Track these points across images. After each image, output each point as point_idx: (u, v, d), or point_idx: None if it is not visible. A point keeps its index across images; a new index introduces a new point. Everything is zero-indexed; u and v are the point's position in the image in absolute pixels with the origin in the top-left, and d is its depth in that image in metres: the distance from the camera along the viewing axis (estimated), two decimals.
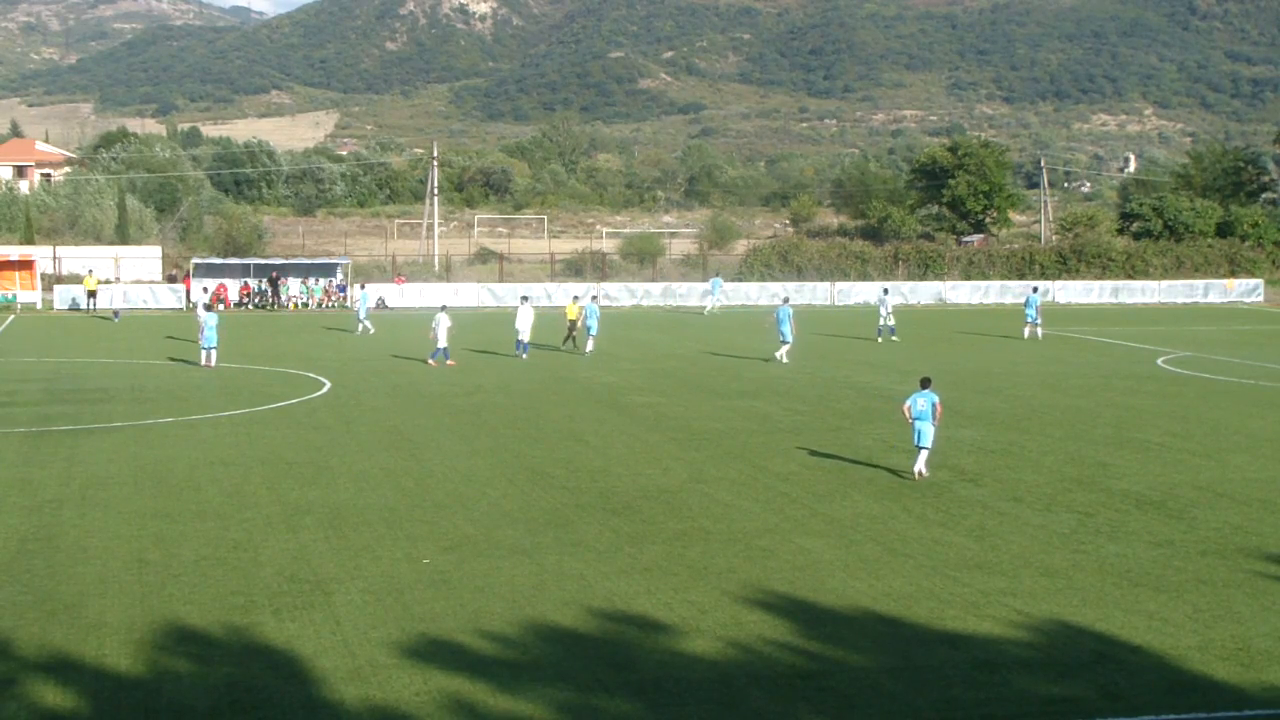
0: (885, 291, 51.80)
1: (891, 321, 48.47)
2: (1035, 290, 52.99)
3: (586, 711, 12.14)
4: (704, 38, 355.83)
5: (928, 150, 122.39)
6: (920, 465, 22.42)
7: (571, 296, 49.35)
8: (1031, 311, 49.15)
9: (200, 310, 44.09)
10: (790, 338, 40.46)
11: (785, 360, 40.05)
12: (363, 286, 54.76)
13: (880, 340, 47.70)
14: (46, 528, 18.70)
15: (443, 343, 38.92)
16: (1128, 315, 63.24)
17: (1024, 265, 77.74)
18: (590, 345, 42.52)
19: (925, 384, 22.60)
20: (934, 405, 22.16)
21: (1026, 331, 48.90)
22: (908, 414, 22.36)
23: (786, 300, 42.99)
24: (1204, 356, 42.99)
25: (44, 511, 19.69)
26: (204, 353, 38.65)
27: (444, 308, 40.58)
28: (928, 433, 22.14)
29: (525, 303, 42.94)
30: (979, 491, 21.57)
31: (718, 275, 69.45)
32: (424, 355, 39.87)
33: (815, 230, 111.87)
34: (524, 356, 41.02)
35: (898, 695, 12.56)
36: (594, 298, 47.30)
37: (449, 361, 38.87)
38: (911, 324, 56.96)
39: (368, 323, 50.44)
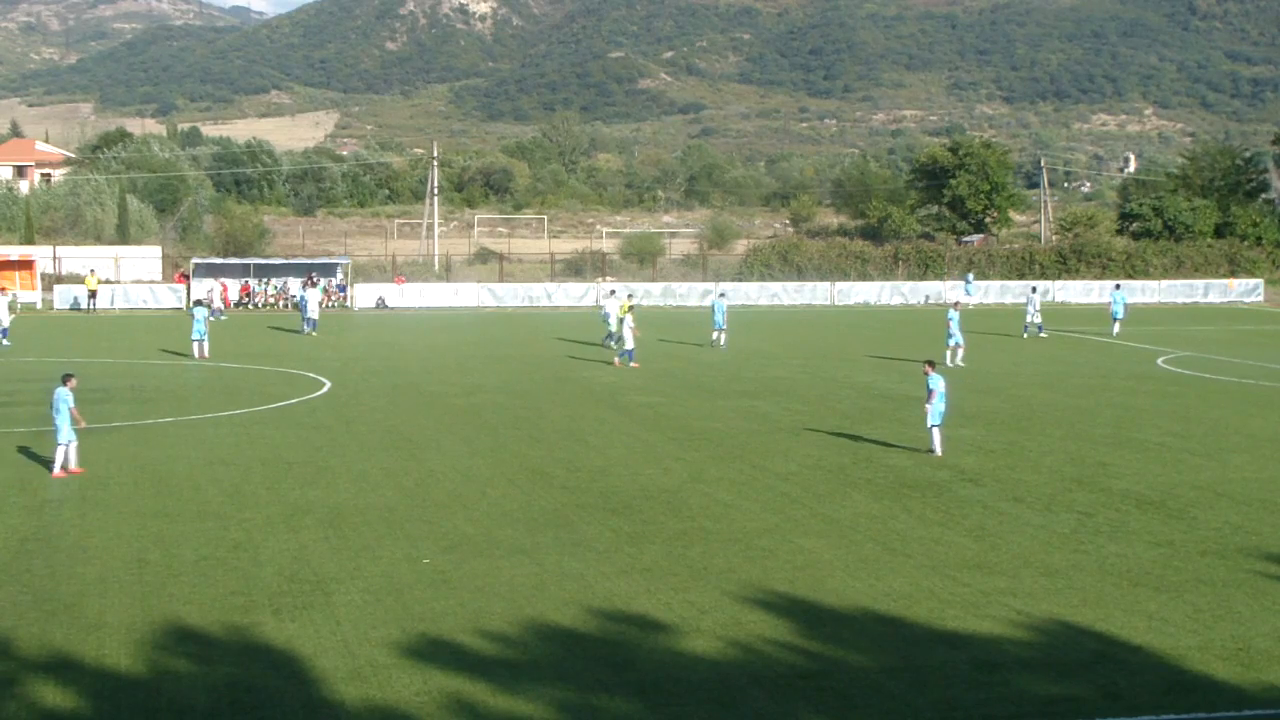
0: (1034, 290, 53.27)
1: (1039, 319, 49.59)
2: (1118, 287, 54.67)
3: (586, 711, 12.14)
4: (704, 38, 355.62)
5: (928, 150, 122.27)
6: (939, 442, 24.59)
7: (609, 291, 49.09)
8: (1119, 309, 50.45)
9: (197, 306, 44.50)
10: (961, 339, 39.71)
11: (959, 363, 39.00)
12: (312, 284, 54.41)
13: (1026, 337, 49.00)
14: (46, 528, 18.70)
15: (630, 343, 39.09)
16: (1128, 315, 63.12)
17: (1024, 265, 77.80)
18: (723, 340, 44.31)
19: (935, 365, 25.23)
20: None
21: (1118, 329, 50.13)
22: (935, 396, 24.24)
23: (957, 305, 42.11)
24: (1204, 356, 42.99)
25: (44, 511, 19.69)
26: (194, 344, 40.40)
27: (632, 308, 41.11)
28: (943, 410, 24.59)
29: (613, 296, 45.29)
30: (979, 491, 21.58)
31: (969, 271, 71.66)
32: (416, 354, 39.89)
33: (815, 230, 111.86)
34: (612, 345, 42.96)
35: (898, 695, 12.56)
36: (722, 295, 48.79)
37: (633, 364, 38.73)
38: (911, 323, 56.99)
39: (308, 325, 49.61)
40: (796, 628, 14.49)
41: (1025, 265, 77.75)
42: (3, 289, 51.87)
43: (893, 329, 54.39)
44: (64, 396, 22.27)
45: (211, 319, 55.07)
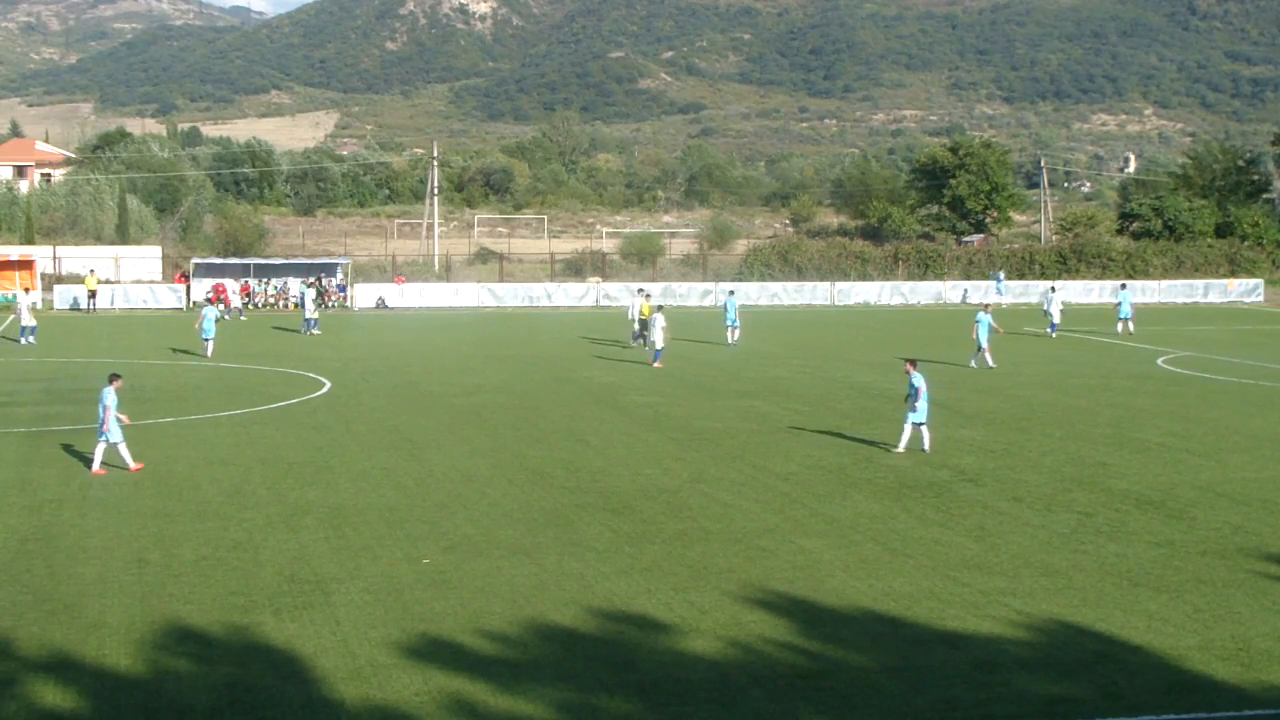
0: (1053, 289, 54.01)
1: (1057, 319, 50.19)
2: (1124, 287, 55.72)
3: (586, 711, 12.14)
4: (704, 38, 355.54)
5: (928, 150, 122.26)
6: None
7: (639, 292, 49.22)
8: (1125, 308, 50.89)
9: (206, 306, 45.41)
10: (985, 343, 38.79)
11: (980, 366, 38.56)
12: (312, 284, 54.38)
13: (1054, 335, 49.56)
14: (46, 528, 18.71)
15: (660, 343, 39.20)
16: (1115, 315, 63.10)
17: (1024, 265, 77.85)
18: (736, 337, 45.46)
19: (916, 364, 25.26)
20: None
21: (1120, 328, 50.59)
22: (920, 395, 24.41)
23: (987, 307, 41.24)
24: (1204, 356, 42.99)
25: (44, 511, 19.70)
26: (204, 343, 41.49)
27: (660, 308, 41.36)
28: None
29: (640, 294, 46.65)
30: (979, 491, 21.57)
31: (1000, 269, 72.76)
32: (422, 355, 39.86)
33: (815, 230, 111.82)
34: (634, 345, 44.13)
35: (898, 695, 12.56)
36: (731, 293, 49.40)
37: (657, 363, 38.84)
38: (911, 324, 57.02)
39: (307, 325, 50.00)
40: (796, 628, 14.49)
41: (1025, 265, 77.80)
42: (26, 289, 52.21)
43: (893, 329, 54.39)
44: (105, 396, 22.57)
45: (228, 318, 56.12)
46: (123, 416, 22.84)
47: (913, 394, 24.54)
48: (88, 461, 22.86)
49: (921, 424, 24.61)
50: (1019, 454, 24.95)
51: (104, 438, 22.50)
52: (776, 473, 23.04)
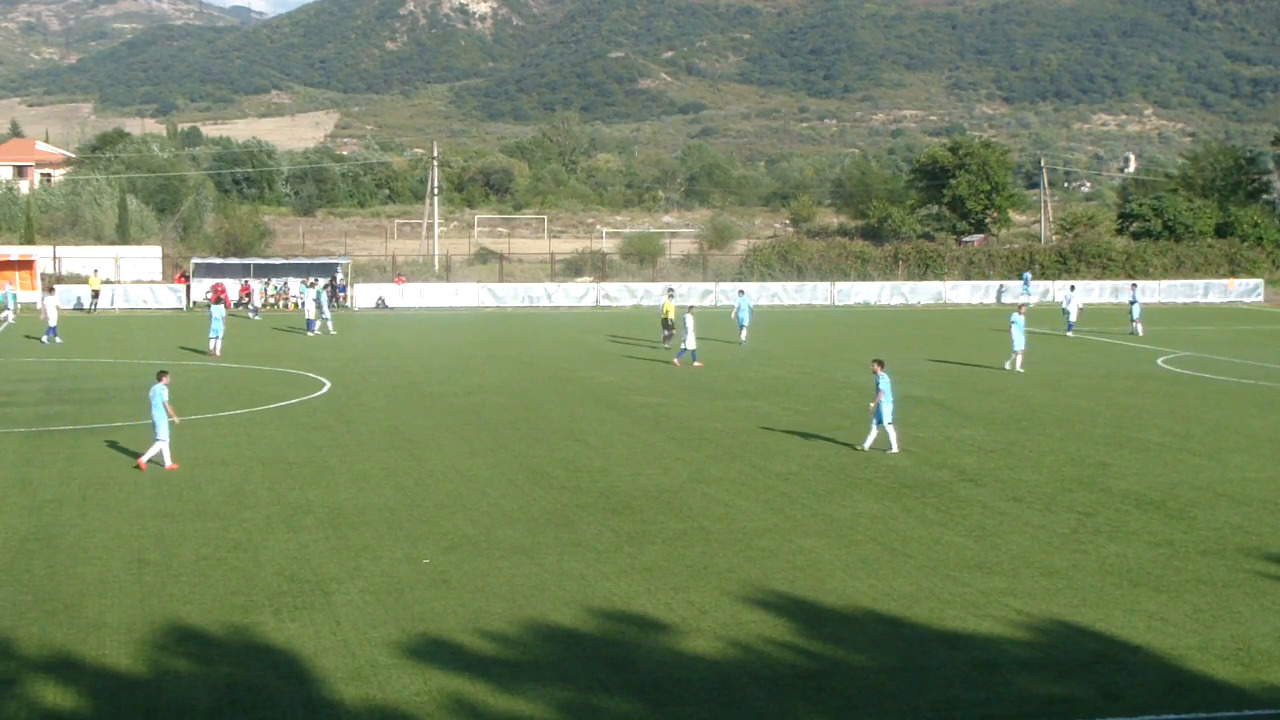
0: (1072, 288, 54.72)
1: (1074, 318, 50.64)
2: (1134, 287, 56.64)
3: (586, 711, 12.14)
4: (704, 38, 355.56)
5: (928, 150, 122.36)
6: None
7: (666, 291, 49.22)
8: (1137, 309, 51.32)
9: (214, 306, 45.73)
10: (1023, 344, 38.10)
11: (1018, 369, 37.78)
12: (313, 284, 54.51)
13: (1071, 335, 49.81)
14: (46, 528, 18.70)
15: (691, 344, 39.23)
16: (1127, 315, 63.09)
17: (1024, 265, 77.91)
18: (744, 336, 45.69)
19: (884, 364, 25.28)
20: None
21: (1140, 329, 50.72)
22: (884, 395, 24.61)
23: (1022, 309, 40.33)
24: (1204, 356, 42.98)
25: (44, 511, 19.69)
26: (211, 341, 41.66)
27: (691, 309, 41.39)
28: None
29: (669, 294, 47.45)
30: (979, 491, 21.57)
31: (1026, 271, 73.68)
32: (421, 355, 39.85)
33: (815, 230, 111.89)
34: (668, 345, 43.79)
35: (898, 695, 12.56)
36: (741, 291, 49.96)
37: (696, 363, 39.00)
38: (911, 324, 57.02)
39: (312, 326, 50.15)
40: (796, 628, 14.49)
41: (1025, 265, 77.85)
42: (50, 289, 52.33)
43: (893, 329, 54.39)
44: (159, 392, 22.75)
45: (255, 317, 56.46)
46: (173, 417, 23.05)
47: (875, 396, 24.71)
48: (92, 459, 22.82)
49: (889, 423, 24.80)
50: (1019, 454, 24.95)
51: (165, 434, 22.70)
52: (776, 473, 23.04)
